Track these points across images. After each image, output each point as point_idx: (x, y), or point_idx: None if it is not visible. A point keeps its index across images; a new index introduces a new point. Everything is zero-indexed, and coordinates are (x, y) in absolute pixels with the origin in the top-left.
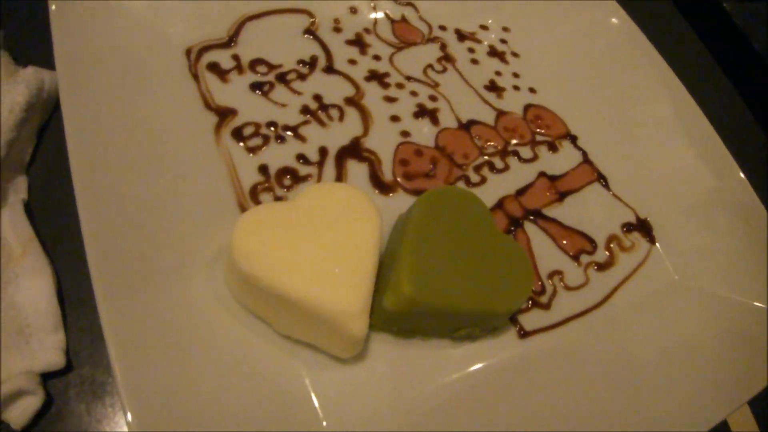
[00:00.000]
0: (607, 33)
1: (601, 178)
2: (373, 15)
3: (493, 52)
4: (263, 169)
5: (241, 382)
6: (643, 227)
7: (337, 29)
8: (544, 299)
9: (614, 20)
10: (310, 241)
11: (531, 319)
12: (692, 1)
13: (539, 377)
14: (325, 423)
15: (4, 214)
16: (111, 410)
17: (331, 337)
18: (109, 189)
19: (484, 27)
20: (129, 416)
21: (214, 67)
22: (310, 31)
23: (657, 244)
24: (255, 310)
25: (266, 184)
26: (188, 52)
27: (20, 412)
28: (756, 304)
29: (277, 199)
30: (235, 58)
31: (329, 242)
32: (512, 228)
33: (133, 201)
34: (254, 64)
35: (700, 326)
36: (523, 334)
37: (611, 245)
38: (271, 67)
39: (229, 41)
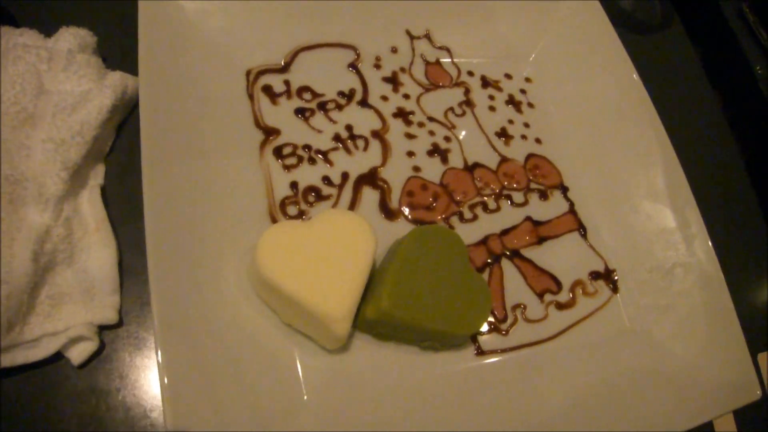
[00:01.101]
0: (617, 95)
1: (581, 228)
2: (410, 56)
3: (510, 101)
4: (294, 185)
5: (248, 353)
6: (608, 277)
7: (377, 66)
8: (504, 326)
9: (634, 76)
10: (317, 256)
11: (489, 341)
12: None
13: (487, 390)
14: (305, 397)
15: (84, 195)
16: (148, 360)
17: (320, 332)
18: (169, 183)
19: (508, 76)
20: (160, 356)
21: (267, 90)
22: (353, 65)
23: (618, 294)
24: (266, 301)
25: (294, 199)
26: (248, 73)
27: (79, 352)
28: (693, 359)
29: (301, 212)
30: (286, 83)
31: (331, 259)
32: (490, 261)
33: (186, 196)
34: (301, 90)
35: (637, 367)
36: (480, 352)
37: (576, 289)
38: (315, 95)
39: (284, 67)
